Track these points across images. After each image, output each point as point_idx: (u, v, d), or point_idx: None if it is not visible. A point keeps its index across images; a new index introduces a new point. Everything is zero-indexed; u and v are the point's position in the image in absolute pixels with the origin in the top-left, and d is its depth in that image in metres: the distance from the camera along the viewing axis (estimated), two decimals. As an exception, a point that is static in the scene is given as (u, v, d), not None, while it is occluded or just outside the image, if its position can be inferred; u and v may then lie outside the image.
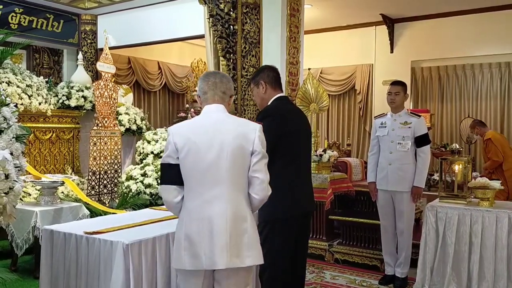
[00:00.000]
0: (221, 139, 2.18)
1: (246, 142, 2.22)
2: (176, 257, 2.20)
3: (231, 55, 5.28)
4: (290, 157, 2.83)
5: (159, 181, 5.39)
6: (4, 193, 2.17)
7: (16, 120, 2.42)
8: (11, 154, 2.28)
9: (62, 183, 4.57)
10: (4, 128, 2.30)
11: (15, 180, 2.25)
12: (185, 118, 8.35)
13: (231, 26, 5.26)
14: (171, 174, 2.20)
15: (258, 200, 2.24)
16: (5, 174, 2.16)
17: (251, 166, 2.22)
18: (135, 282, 2.37)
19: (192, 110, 8.23)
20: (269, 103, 2.94)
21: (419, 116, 4.13)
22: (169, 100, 9.47)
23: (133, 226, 2.74)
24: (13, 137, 2.33)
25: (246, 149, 2.21)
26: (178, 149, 2.17)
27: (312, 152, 5.19)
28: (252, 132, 2.24)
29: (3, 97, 2.38)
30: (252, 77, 3.05)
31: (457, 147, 4.20)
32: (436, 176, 5.54)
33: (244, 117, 5.45)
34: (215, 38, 5.21)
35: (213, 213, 2.14)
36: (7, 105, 2.39)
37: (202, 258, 2.12)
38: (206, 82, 2.33)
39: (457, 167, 4.07)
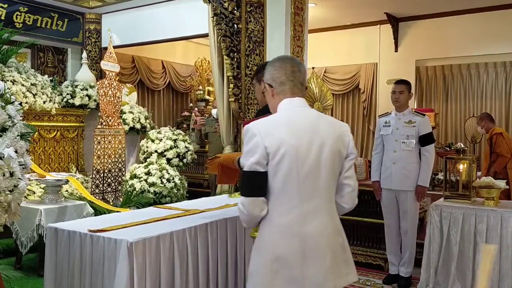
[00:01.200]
0: (320, 142, 1.87)
1: (343, 146, 1.94)
2: (262, 282, 1.86)
3: (235, 54, 5.27)
4: None
5: (163, 180, 5.41)
6: (9, 190, 2.17)
7: (21, 118, 2.43)
8: (16, 152, 2.29)
9: (67, 182, 4.58)
10: (9, 126, 2.31)
11: (19, 178, 2.25)
12: (189, 117, 8.36)
13: (235, 25, 5.25)
14: (260, 184, 1.85)
15: (346, 210, 1.99)
16: (9, 172, 2.16)
17: (343, 172, 1.95)
18: (139, 280, 2.37)
19: (196, 109, 8.24)
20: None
21: (424, 115, 4.11)
22: (173, 99, 9.48)
23: (137, 224, 2.73)
24: (17, 135, 2.33)
25: (342, 153, 1.93)
26: (270, 154, 1.82)
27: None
28: (346, 134, 1.97)
29: (8, 95, 2.39)
30: (254, 73, 3.04)
31: (462, 146, 4.18)
32: (440, 176, 5.51)
33: (248, 117, 5.44)
34: (219, 37, 5.20)
35: (312, 230, 1.84)
36: (12, 103, 2.40)
37: (303, 282, 1.81)
38: (284, 70, 1.98)
39: (461, 166, 4.06)
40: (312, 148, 1.85)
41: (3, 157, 2.15)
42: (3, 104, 2.32)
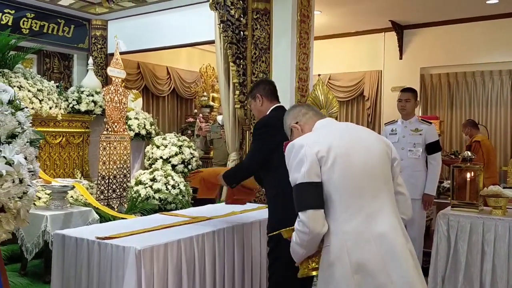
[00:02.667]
0: (365, 143, 1.85)
1: (387, 147, 1.90)
2: None
3: (241, 61, 5.28)
4: None
5: (168, 187, 5.40)
6: (18, 197, 2.16)
7: (30, 124, 2.43)
8: (25, 158, 2.28)
9: (73, 188, 4.58)
10: (19, 132, 2.31)
11: (28, 185, 2.25)
12: (194, 123, 8.36)
13: (242, 32, 5.26)
14: (316, 194, 1.73)
15: (406, 222, 1.87)
16: (19, 178, 2.16)
17: (395, 178, 1.86)
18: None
19: (201, 115, 8.23)
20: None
21: (430, 123, 4.11)
22: (178, 105, 9.49)
23: (144, 232, 2.73)
24: (27, 142, 2.33)
25: (389, 154, 1.89)
26: (322, 159, 1.75)
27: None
28: (385, 138, 1.99)
29: (17, 101, 2.39)
30: (249, 91, 3.14)
31: (469, 154, 4.16)
32: (445, 184, 5.49)
33: (253, 123, 5.44)
34: (226, 44, 5.21)
35: (385, 229, 1.71)
36: (22, 109, 2.40)
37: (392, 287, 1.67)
38: (299, 107, 2.13)
39: (468, 175, 4.04)
40: (360, 148, 1.81)
41: (13, 163, 2.15)
42: (13, 110, 2.32)
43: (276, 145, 2.76)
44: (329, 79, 9.16)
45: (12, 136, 2.28)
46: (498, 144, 7.96)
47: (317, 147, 1.77)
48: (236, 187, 2.98)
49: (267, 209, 2.92)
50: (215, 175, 3.06)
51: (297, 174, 1.77)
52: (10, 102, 2.34)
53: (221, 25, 5.19)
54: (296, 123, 2.06)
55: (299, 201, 1.75)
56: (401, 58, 8.55)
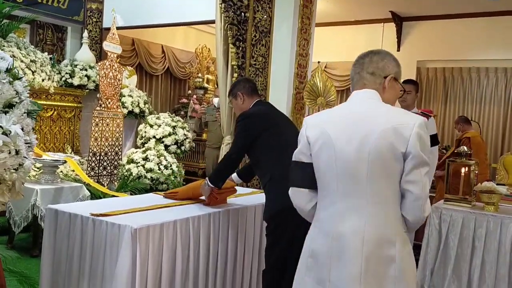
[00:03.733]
0: (363, 133, 1.67)
1: (397, 140, 1.63)
2: (298, 279, 1.83)
3: (241, 43, 5.20)
4: (280, 147, 2.84)
5: (160, 167, 5.35)
6: (14, 169, 2.10)
7: (28, 95, 2.35)
8: (22, 129, 2.22)
9: (64, 162, 4.50)
10: (16, 102, 2.23)
11: (25, 157, 2.18)
12: (187, 104, 8.28)
13: (243, 13, 5.17)
14: (301, 174, 1.81)
15: (410, 223, 1.69)
16: (15, 149, 2.09)
17: (404, 175, 1.65)
18: (141, 266, 2.33)
19: (195, 96, 8.15)
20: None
21: (430, 116, 4.09)
22: (171, 85, 9.37)
23: (140, 211, 2.69)
24: (24, 112, 2.26)
25: (396, 149, 1.63)
26: (311, 143, 1.76)
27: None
28: (408, 127, 1.64)
29: (15, 70, 2.31)
30: (229, 91, 3.16)
31: (466, 149, 4.17)
32: (437, 177, 5.51)
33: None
34: (226, 25, 5.12)
35: (344, 230, 1.67)
36: (20, 78, 2.32)
37: (327, 285, 1.69)
38: (353, 65, 1.90)
39: (463, 170, 4.05)
40: (352, 139, 1.68)
41: (10, 134, 2.08)
42: (10, 79, 2.24)
43: (260, 133, 2.83)
44: (325, 67, 9.10)
45: (9, 106, 2.20)
46: (489, 141, 8.02)
47: (311, 131, 1.78)
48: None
49: (262, 193, 2.96)
50: (192, 189, 3.09)
51: (295, 151, 1.87)
52: (8, 71, 2.26)
53: (223, 5, 5.09)
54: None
55: (290, 176, 1.89)
56: (398, 50, 8.51)
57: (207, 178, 2.99)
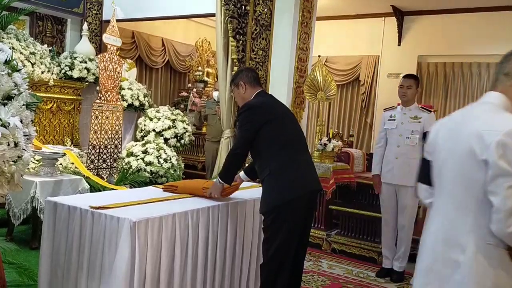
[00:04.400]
0: (455, 137, 1.72)
1: (479, 146, 1.60)
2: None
3: (241, 37, 5.19)
4: (281, 141, 2.85)
5: (160, 160, 5.35)
6: (13, 161, 2.09)
7: (27, 87, 2.34)
8: (21, 121, 2.21)
9: (63, 155, 4.50)
10: (15, 94, 2.22)
11: (23, 149, 2.17)
12: (187, 97, 8.26)
13: (243, 7, 5.16)
14: (422, 170, 1.93)
15: (495, 234, 1.60)
16: (14, 142, 2.08)
17: (486, 184, 1.59)
18: (140, 259, 2.33)
19: (194, 90, 8.13)
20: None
21: (430, 111, 4.09)
22: (171, 78, 9.34)
23: (139, 204, 2.68)
24: (23, 104, 2.25)
25: (477, 156, 1.61)
26: (431, 142, 1.87)
27: (316, 140, 5.15)
28: (492, 134, 1.58)
29: (15, 62, 2.30)
30: (232, 80, 3.12)
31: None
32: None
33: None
34: (226, 18, 5.10)
35: (430, 228, 1.83)
36: (19, 70, 2.31)
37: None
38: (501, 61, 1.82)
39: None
40: (446, 143, 1.76)
41: (8, 126, 2.07)
42: (9, 71, 2.23)
43: (262, 125, 2.80)
44: (325, 61, 9.06)
45: (8, 98, 2.19)
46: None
47: (433, 131, 1.91)
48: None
49: (260, 188, 2.93)
50: (197, 190, 3.05)
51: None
52: (6, 62, 2.25)
53: (223, -3, 5.08)
54: None
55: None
56: (399, 45, 8.49)
57: (218, 176, 2.97)
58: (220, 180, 2.91)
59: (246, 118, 2.86)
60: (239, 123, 2.94)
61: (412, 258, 4.18)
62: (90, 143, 5.17)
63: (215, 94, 6.10)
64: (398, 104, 4.21)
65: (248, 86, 2.99)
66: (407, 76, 4.15)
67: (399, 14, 8.28)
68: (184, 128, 5.88)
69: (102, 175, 5.27)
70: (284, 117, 2.96)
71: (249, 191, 3.41)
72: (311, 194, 2.93)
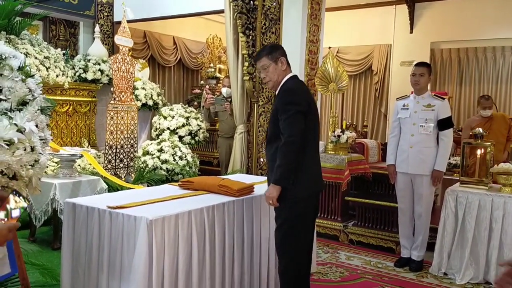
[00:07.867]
0: None
1: None
2: None
3: (251, 32, 5.20)
4: (312, 136, 2.80)
5: (175, 158, 5.40)
6: (30, 165, 2.15)
7: (41, 92, 2.40)
8: (36, 126, 2.26)
9: (81, 156, 4.58)
10: (29, 99, 2.28)
11: (40, 153, 2.23)
12: (200, 94, 8.30)
13: (252, 2, 5.16)
14: None
15: None
16: (31, 146, 2.14)
17: None
18: (158, 257, 2.37)
19: (207, 86, 8.16)
20: (284, 81, 2.80)
21: (443, 98, 4.04)
22: (184, 76, 9.40)
23: (155, 202, 2.72)
24: (38, 109, 2.30)
25: None
26: None
27: (330, 132, 5.14)
28: None
29: (28, 68, 2.35)
30: (268, 52, 2.79)
31: (481, 131, 4.11)
32: (452, 160, 5.45)
33: (262, 96, 5.38)
34: (235, 14, 5.11)
35: None
36: (32, 76, 2.36)
37: None
38: None
39: (479, 152, 4.01)
40: None
41: (24, 131, 2.13)
42: (23, 77, 2.29)
43: (306, 114, 2.64)
44: (337, 52, 9.01)
45: (23, 103, 2.25)
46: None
47: None
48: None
49: None
50: (213, 187, 3.04)
51: None
52: (20, 69, 2.31)
53: (231, -6, 5.08)
54: None
55: None
56: (411, 32, 8.40)
57: (271, 183, 2.71)
58: (276, 184, 2.66)
59: (293, 101, 2.62)
60: (282, 109, 2.63)
61: (430, 247, 4.18)
62: (106, 144, 5.25)
63: (223, 90, 6.12)
64: (411, 93, 4.18)
65: (287, 65, 2.79)
66: (419, 64, 4.11)
67: (410, 1, 8.19)
68: (198, 125, 5.93)
69: (120, 175, 5.35)
70: (316, 111, 2.85)
71: (264, 186, 3.43)
72: (317, 196, 3.00)
